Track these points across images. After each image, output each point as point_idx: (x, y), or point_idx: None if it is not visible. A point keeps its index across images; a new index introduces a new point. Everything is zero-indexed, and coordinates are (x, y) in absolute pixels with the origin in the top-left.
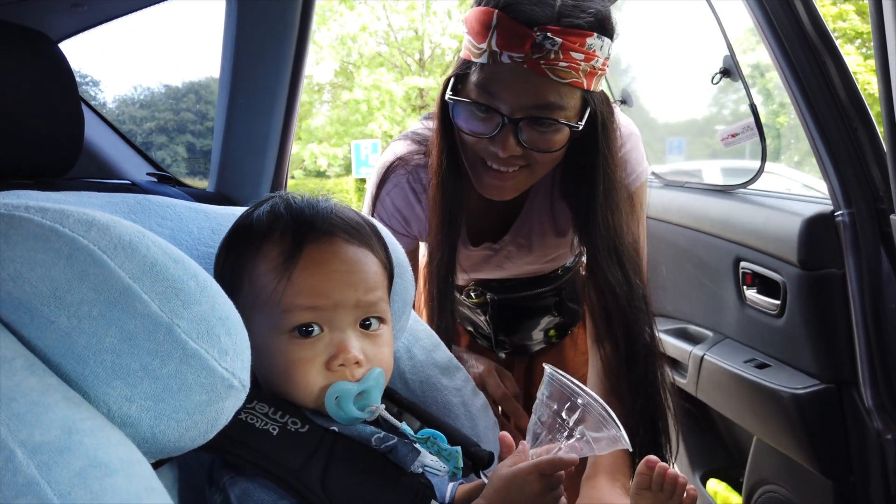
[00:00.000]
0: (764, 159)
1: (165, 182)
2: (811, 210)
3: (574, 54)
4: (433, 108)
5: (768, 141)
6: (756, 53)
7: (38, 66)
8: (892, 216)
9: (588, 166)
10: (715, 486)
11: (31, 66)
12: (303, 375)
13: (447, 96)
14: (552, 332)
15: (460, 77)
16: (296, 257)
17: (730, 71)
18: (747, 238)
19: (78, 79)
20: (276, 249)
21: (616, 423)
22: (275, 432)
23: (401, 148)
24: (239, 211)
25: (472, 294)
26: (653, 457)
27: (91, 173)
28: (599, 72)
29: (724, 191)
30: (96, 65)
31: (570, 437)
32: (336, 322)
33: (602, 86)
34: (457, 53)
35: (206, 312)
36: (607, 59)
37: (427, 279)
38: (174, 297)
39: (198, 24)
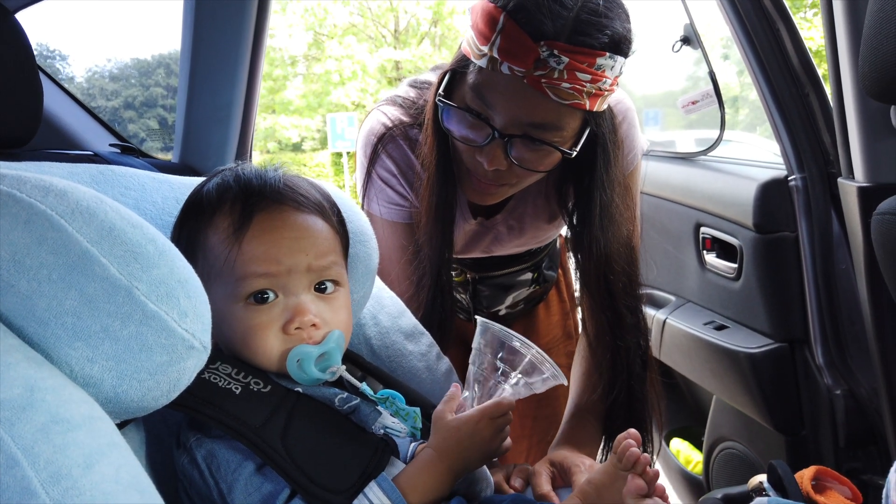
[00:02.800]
0: (723, 127)
1: (129, 153)
2: (766, 175)
3: (580, 75)
4: (428, 96)
5: (744, 113)
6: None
7: None
8: (839, 180)
9: (586, 190)
10: (678, 444)
11: None
12: (261, 340)
13: (438, 97)
14: (530, 307)
15: (457, 73)
16: (245, 226)
17: (690, 39)
18: (707, 204)
19: (45, 53)
20: (226, 220)
21: (550, 362)
22: (237, 391)
23: (392, 112)
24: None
25: (453, 273)
26: (633, 430)
27: (52, 145)
28: (606, 92)
29: (685, 158)
30: (64, 39)
31: (508, 380)
32: (290, 287)
33: (607, 104)
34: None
35: (165, 275)
36: (618, 77)
37: (417, 268)
38: (133, 261)
39: None
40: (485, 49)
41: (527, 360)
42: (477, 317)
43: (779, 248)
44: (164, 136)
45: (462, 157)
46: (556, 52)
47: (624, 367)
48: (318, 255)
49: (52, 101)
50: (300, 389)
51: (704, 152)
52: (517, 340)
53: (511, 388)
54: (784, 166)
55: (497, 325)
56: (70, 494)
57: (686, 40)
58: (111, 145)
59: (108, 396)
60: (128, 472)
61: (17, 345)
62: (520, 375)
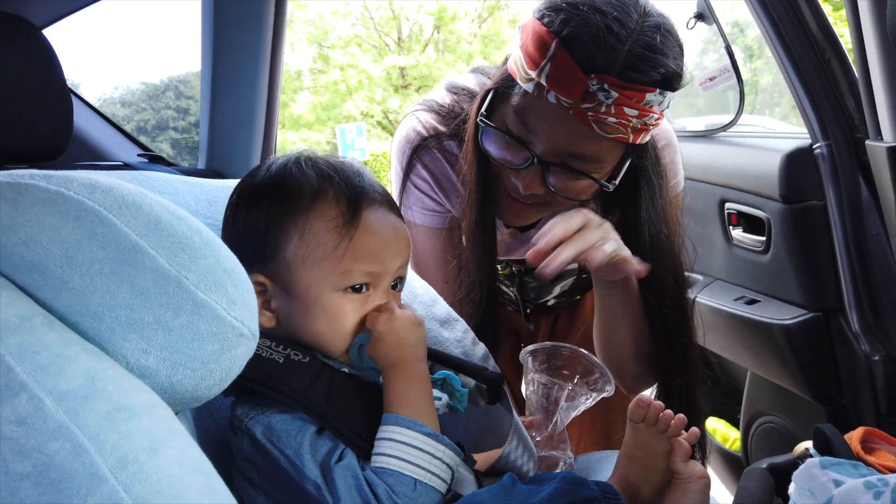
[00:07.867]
0: (742, 101)
1: (156, 162)
2: (790, 145)
3: (628, 110)
4: (464, 103)
5: (751, 98)
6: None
7: (23, 53)
8: (867, 142)
9: (632, 225)
10: (714, 423)
11: (17, 53)
12: (348, 326)
13: (479, 117)
14: (577, 296)
15: (499, 91)
16: (355, 221)
17: (704, 15)
18: (730, 179)
19: None
20: (333, 210)
21: (601, 365)
22: (280, 361)
23: (428, 120)
24: (233, 184)
25: (499, 267)
26: (645, 395)
27: (82, 159)
28: (652, 126)
29: (705, 136)
30: (75, 68)
31: (564, 390)
32: (381, 283)
33: (650, 136)
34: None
35: (212, 265)
36: (664, 111)
37: (464, 283)
38: (181, 252)
39: (175, 16)
40: (532, 74)
41: (578, 368)
42: (521, 355)
43: (807, 217)
44: (179, 156)
45: (498, 176)
46: (606, 86)
47: (667, 364)
48: (406, 256)
49: (79, 117)
50: (346, 370)
51: (725, 128)
52: (565, 349)
53: (571, 394)
54: (808, 135)
55: (541, 345)
56: (138, 478)
57: (700, 16)
58: (139, 155)
59: (163, 387)
60: (190, 456)
61: (74, 338)
62: (575, 384)
